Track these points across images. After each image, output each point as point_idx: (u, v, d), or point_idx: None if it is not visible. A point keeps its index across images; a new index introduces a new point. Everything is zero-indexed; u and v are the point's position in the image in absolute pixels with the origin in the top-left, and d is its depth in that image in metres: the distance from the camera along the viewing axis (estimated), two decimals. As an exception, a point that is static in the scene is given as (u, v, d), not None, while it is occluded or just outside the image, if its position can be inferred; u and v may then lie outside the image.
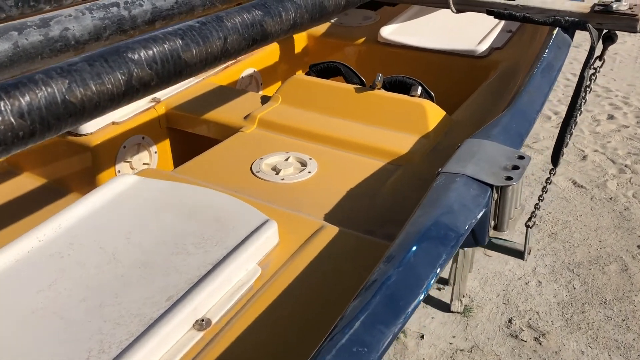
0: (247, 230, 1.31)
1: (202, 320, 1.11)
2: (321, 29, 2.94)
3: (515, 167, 1.27)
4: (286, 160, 1.79)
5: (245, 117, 2.06)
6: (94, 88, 0.82)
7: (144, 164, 2.19)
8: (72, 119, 0.81)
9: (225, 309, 1.15)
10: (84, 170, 2.06)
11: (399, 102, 1.96)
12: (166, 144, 2.26)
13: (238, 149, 1.88)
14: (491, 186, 1.21)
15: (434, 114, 1.94)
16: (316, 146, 1.89)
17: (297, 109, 2.08)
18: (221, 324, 1.12)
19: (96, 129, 2.04)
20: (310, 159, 1.80)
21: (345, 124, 1.96)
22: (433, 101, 2.05)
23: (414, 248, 1.00)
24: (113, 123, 2.08)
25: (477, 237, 1.26)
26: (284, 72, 2.81)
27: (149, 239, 1.31)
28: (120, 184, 1.50)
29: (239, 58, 2.57)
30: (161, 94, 2.23)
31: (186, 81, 2.34)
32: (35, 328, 1.07)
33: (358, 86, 2.06)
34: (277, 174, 1.72)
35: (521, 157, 1.30)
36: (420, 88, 1.99)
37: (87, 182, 2.03)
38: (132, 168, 2.15)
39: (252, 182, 1.68)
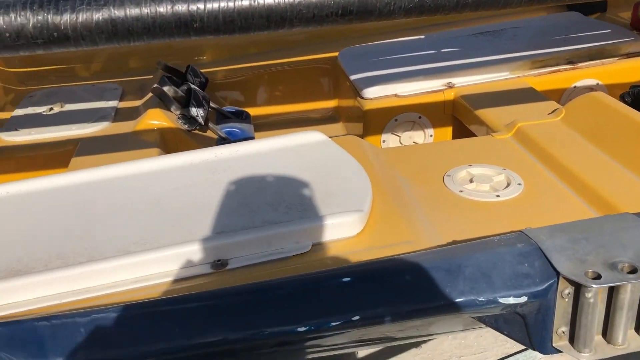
0: (334, 210, 1.26)
1: (219, 260, 1.18)
2: None
3: (633, 271, 0.80)
4: (496, 175, 1.54)
5: (508, 124, 1.81)
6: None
7: (414, 142, 2.20)
8: None
9: (249, 262, 1.18)
10: (358, 129, 2.23)
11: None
12: (446, 131, 2.20)
13: (463, 150, 1.70)
14: (557, 274, 0.81)
15: None
16: (548, 175, 1.54)
17: (571, 129, 1.70)
18: (236, 271, 1.16)
19: (377, 95, 2.16)
20: (520, 184, 1.49)
21: (608, 166, 1.51)
22: None
23: (344, 279, 0.80)
24: (395, 95, 2.16)
25: (530, 337, 0.87)
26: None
27: (267, 186, 1.41)
28: (306, 137, 1.62)
29: (579, 64, 2.23)
30: (457, 80, 2.16)
31: (493, 74, 2.19)
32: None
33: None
34: (468, 182, 1.51)
35: (665, 264, 0.80)
36: None
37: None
38: (400, 143, 2.20)
39: (432, 183, 1.53)
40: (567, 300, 0.84)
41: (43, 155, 1.95)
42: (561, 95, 2.22)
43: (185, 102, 2.13)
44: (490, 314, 0.86)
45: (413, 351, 2.72)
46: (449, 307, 0.80)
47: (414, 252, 0.90)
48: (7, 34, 0.97)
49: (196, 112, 2.09)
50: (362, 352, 2.69)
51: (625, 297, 0.83)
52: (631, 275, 0.81)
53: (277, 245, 1.21)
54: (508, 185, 1.50)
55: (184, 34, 1.04)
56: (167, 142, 2.01)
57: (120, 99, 2.31)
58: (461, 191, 1.48)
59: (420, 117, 2.16)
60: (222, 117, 2.40)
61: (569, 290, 0.84)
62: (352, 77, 2.32)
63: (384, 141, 2.18)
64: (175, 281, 1.16)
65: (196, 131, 2.15)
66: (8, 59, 2.60)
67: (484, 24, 2.69)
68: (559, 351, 0.88)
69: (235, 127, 2.34)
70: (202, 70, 2.49)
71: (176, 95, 2.16)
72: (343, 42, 2.66)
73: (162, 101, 2.11)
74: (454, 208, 1.42)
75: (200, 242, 1.20)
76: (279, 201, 1.35)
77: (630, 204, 1.35)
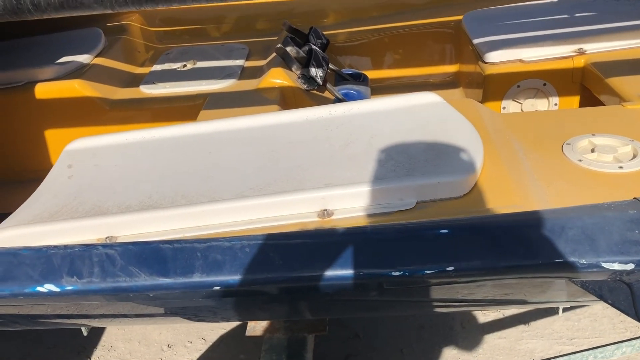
0: (442, 170, 1.27)
1: (325, 210, 1.23)
2: None
3: None
4: (621, 145, 1.44)
5: (643, 93, 1.69)
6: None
7: (536, 110, 2.11)
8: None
9: (353, 214, 1.22)
10: (477, 94, 2.17)
11: None
12: (573, 100, 2.08)
13: (588, 119, 1.61)
14: (671, 243, 0.77)
15: None
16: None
17: None
18: (341, 221, 1.21)
19: (499, 60, 2.09)
20: (648, 156, 1.39)
21: None
22: None
23: (442, 231, 0.82)
24: (520, 60, 2.07)
25: (637, 307, 0.83)
26: None
27: (377, 144, 1.44)
28: (421, 98, 1.62)
29: None
30: (589, 47, 2.03)
31: (632, 41, 2.03)
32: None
33: None
34: (590, 152, 1.43)
35: None
36: None
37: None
38: (521, 110, 2.11)
39: (550, 150, 1.47)
40: (679, 271, 0.80)
41: (175, 107, 2.12)
42: None
43: (306, 63, 2.19)
44: (594, 279, 0.83)
45: (521, 327, 2.66)
46: (546, 267, 0.79)
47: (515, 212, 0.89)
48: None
49: (315, 72, 2.15)
50: (467, 323, 2.68)
51: None
52: None
53: (382, 200, 1.25)
54: (634, 157, 1.41)
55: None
56: (287, 100, 2.09)
57: (247, 58, 2.43)
58: (580, 160, 1.42)
59: (545, 85, 2.06)
60: (340, 78, 2.44)
61: (683, 261, 0.79)
62: (475, 41, 2.25)
63: (504, 108, 2.12)
64: (285, 226, 1.24)
65: (314, 91, 2.21)
66: (150, 20, 2.83)
67: (628, -13, 2.48)
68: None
69: (352, 89, 2.38)
70: (324, 33, 2.55)
71: (298, 56, 2.24)
72: (467, 6, 2.58)
73: (284, 61, 2.20)
74: (569, 177, 1.36)
75: (310, 192, 1.26)
76: (387, 158, 1.37)
77: None
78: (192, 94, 2.15)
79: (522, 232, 0.82)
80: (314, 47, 2.26)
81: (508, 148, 1.47)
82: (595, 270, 0.80)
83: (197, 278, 0.84)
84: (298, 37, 2.41)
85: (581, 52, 2.03)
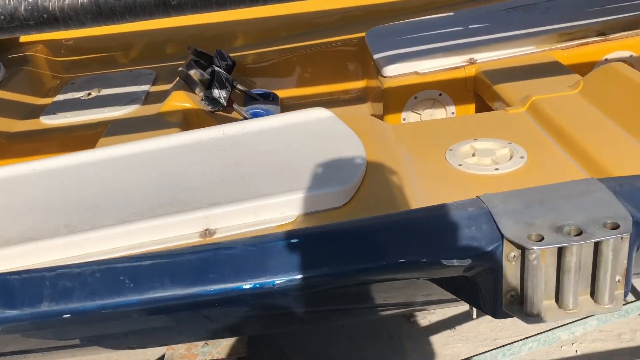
0: (323, 182, 1.29)
1: (207, 230, 1.23)
2: None
3: (579, 234, 0.79)
4: (499, 148, 1.51)
5: (523, 98, 1.77)
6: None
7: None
8: None
9: (236, 232, 1.23)
10: (380, 108, 2.23)
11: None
12: (469, 108, 2.17)
13: (473, 125, 1.68)
14: (502, 237, 0.81)
15: None
16: (556, 149, 1.50)
17: (587, 102, 1.65)
18: (223, 240, 1.21)
19: (396, 73, 2.15)
20: (522, 157, 1.46)
21: (619, 140, 1.46)
22: None
23: (292, 240, 0.83)
24: (415, 73, 2.14)
25: (482, 300, 0.87)
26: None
27: (265, 161, 1.45)
28: (311, 114, 1.65)
29: (611, 36, 2.13)
30: (480, 56, 2.12)
31: (518, 49, 2.14)
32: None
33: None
34: (471, 156, 1.49)
35: (614, 227, 0.78)
36: None
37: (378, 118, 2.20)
38: (420, 120, 2.18)
39: (434, 157, 1.53)
40: (514, 263, 0.84)
41: (76, 136, 2.08)
42: (592, 69, 2.13)
43: (209, 84, 2.20)
44: (443, 276, 0.86)
45: (447, 333, 2.71)
46: (391, 268, 0.82)
47: (367, 217, 0.92)
48: (2, 17, 1.06)
49: (218, 93, 2.16)
50: (395, 332, 2.71)
51: (572, 259, 0.81)
52: (576, 238, 0.79)
53: (263, 215, 1.26)
54: (511, 158, 1.48)
55: (163, 12, 1.10)
56: (190, 123, 2.09)
57: (153, 84, 2.42)
58: (460, 165, 1.47)
59: (440, 95, 2.14)
60: (250, 99, 2.46)
61: (514, 253, 0.83)
62: (375, 56, 2.32)
63: (404, 119, 2.18)
64: (166, 248, 1.23)
65: (221, 113, 2.22)
66: (55, 50, 2.78)
67: (519, -1, 2.61)
68: (510, 315, 0.87)
69: (261, 108, 2.40)
70: (234, 55, 2.56)
71: (202, 78, 2.24)
72: (373, 23, 2.65)
73: (187, 84, 2.20)
74: (450, 181, 1.41)
75: (190, 213, 1.26)
76: (272, 174, 1.39)
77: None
78: (94, 122, 2.12)
79: (367, 236, 0.85)
80: (217, 68, 2.28)
81: (393, 157, 1.51)
82: (436, 268, 0.83)
83: (45, 307, 0.82)
84: (204, 59, 2.42)
85: (472, 62, 2.12)
